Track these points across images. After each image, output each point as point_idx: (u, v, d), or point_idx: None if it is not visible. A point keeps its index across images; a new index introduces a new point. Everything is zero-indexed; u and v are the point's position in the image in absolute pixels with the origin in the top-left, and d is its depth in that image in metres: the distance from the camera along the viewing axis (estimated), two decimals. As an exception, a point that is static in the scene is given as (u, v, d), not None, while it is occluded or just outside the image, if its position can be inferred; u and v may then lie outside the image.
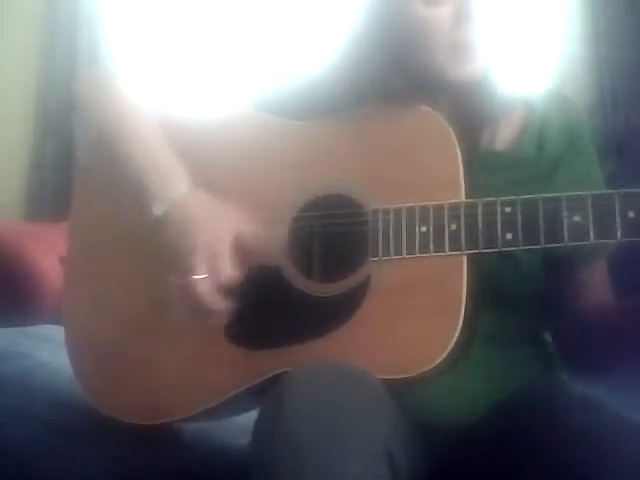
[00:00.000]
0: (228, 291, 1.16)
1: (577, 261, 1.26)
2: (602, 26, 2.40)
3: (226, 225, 1.19)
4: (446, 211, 1.12)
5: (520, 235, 1.08)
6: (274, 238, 1.21)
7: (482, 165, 1.19)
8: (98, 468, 1.31)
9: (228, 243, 1.17)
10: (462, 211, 1.11)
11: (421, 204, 1.13)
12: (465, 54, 1.20)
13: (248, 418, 1.18)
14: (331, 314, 1.15)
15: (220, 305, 1.16)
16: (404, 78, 1.24)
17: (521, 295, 1.26)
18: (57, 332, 1.40)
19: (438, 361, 1.08)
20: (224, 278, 1.15)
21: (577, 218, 1.06)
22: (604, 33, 2.39)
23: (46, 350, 1.65)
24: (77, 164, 2.63)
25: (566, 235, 1.07)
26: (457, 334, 1.08)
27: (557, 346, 1.34)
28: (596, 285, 1.30)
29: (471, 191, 1.14)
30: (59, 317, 1.39)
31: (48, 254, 2.29)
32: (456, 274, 1.10)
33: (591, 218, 1.05)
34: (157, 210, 1.21)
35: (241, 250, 1.18)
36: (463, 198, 1.13)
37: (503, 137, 1.27)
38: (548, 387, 1.24)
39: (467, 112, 1.24)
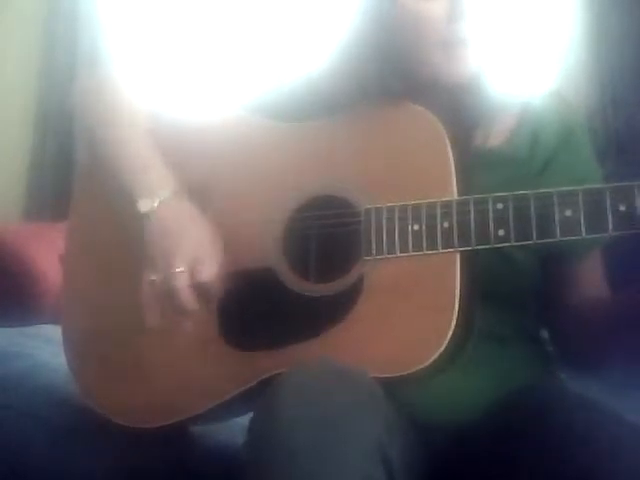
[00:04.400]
0: (205, 295, 1.16)
1: (570, 255, 1.26)
2: (602, 27, 2.40)
3: (210, 244, 1.19)
4: (438, 209, 1.12)
5: (512, 231, 1.08)
6: (269, 239, 1.21)
7: (475, 163, 1.19)
8: (98, 468, 1.31)
9: (213, 248, 1.18)
10: (454, 209, 1.11)
11: (413, 202, 1.13)
12: (458, 51, 1.19)
13: (248, 418, 1.18)
14: (326, 314, 1.15)
15: (194, 305, 1.15)
16: (398, 77, 1.23)
17: (517, 292, 1.26)
18: (57, 332, 1.40)
19: (433, 359, 1.08)
20: (205, 278, 1.15)
21: (569, 213, 1.06)
22: (604, 34, 2.39)
23: (46, 350, 1.66)
24: (77, 164, 2.63)
25: (558, 230, 1.07)
26: (452, 331, 1.08)
27: (555, 344, 1.34)
28: (591, 278, 1.30)
29: (463, 189, 1.13)
30: (59, 317, 1.40)
31: (48, 254, 2.30)
32: (450, 271, 1.10)
33: (582, 213, 1.06)
34: (143, 206, 1.21)
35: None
36: (455, 196, 1.13)
37: (497, 135, 1.27)
38: (546, 387, 1.24)
39: (461, 110, 1.24)
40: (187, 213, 1.22)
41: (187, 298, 1.15)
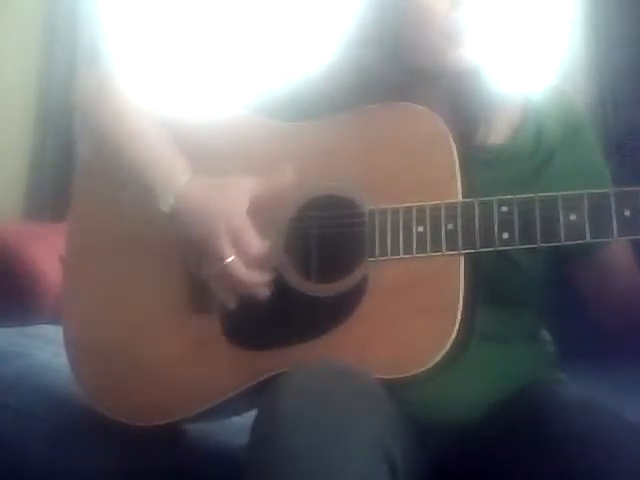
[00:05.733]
0: (262, 261, 1.18)
1: (578, 255, 1.25)
2: (602, 26, 2.39)
3: (236, 198, 1.20)
4: (443, 211, 1.12)
5: (517, 234, 1.08)
6: (272, 239, 1.21)
7: (479, 159, 1.19)
8: (98, 468, 1.31)
9: (244, 216, 1.18)
10: (459, 211, 1.11)
11: (418, 204, 1.13)
12: (460, 40, 1.19)
13: (248, 418, 1.18)
14: (329, 314, 1.15)
15: (260, 278, 1.18)
16: (400, 70, 1.23)
17: (518, 293, 1.26)
18: (57, 332, 1.39)
19: (435, 361, 1.08)
20: (254, 252, 1.17)
21: (573, 217, 1.06)
22: (604, 33, 2.39)
23: (46, 350, 1.66)
24: (77, 164, 2.63)
25: (562, 234, 1.07)
26: (454, 334, 1.08)
27: (565, 340, 1.34)
28: (622, 266, 1.28)
29: (468, 191, 1.13)
30: (59, 317, 1.39)
31: (48, 254, 2.30)
32: (453, 274, 1.10)
33: (587, 217, 1.06)
34: (164, 206, 1.21)
35: (259, 214, 1.19)
36: (460, 198, 1.13)
37: (500, 131, 1.27)
38: (547, 387, 1.24)
39: (465, 106, 1.24)
40: (206, 191, 1.21)
41: (250, 280, 1.17)
